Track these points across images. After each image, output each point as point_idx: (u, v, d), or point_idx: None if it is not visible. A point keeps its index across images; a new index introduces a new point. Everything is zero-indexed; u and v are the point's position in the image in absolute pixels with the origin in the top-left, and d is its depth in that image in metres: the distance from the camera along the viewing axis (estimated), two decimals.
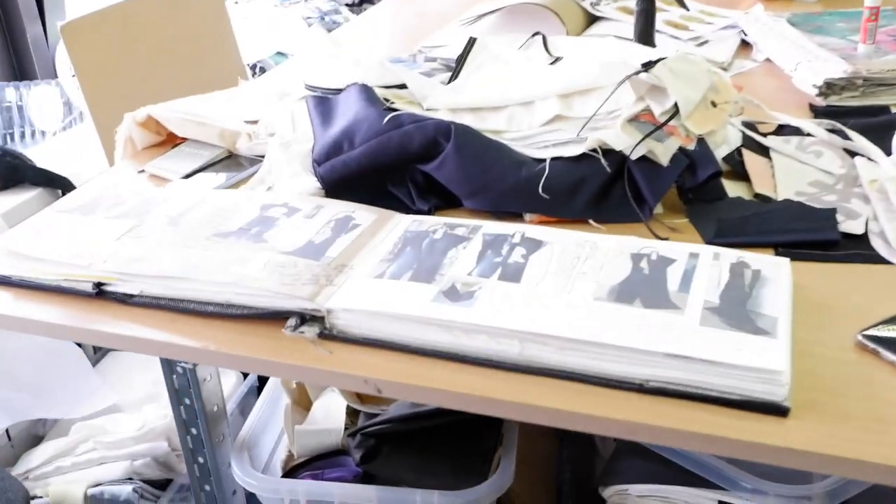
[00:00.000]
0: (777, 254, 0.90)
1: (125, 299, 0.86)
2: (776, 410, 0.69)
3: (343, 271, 0.85)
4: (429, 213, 1.01)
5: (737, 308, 0.77)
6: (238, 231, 0.92)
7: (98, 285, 0.87)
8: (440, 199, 1.03)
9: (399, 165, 1.03)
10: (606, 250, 0.86)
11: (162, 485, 1.47)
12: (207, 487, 1.12)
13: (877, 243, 0.91)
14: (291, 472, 1.14)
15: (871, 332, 0.76)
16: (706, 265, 0.83)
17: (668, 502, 1.13)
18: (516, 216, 1.00)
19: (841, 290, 0.85)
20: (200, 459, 1.10)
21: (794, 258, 0.86)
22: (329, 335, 0.80)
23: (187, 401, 1.04)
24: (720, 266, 0.83)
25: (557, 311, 0.77)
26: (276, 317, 0.82)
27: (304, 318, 0.81)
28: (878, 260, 0.89)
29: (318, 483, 1.05)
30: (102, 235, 0.93)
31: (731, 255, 0.85)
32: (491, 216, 1.00)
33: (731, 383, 0.70)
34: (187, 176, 1.14)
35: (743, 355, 0.70)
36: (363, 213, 0.96)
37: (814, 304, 0.82)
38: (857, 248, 0.91)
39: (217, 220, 0.94)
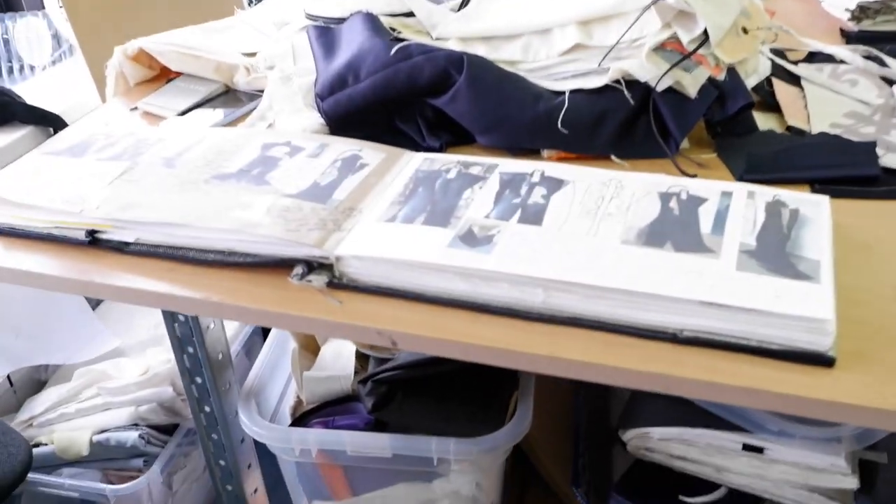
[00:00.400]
0: (813, 191, 0.85)
1: (121, 248, 0.81)
2: (821, 361, 0.64)
3: (352, 215, 0.80)
4: (440, 150, 0.95)
5: (775, 251, 0.71)
6: (238, 173, 0.86)
7: (91, 233, 0.82)
8: (452, 136, 0.97)
9: (408, 100, 0.97)
10: (633, 189, 0.81)
11: (168, 430, 1.44)
12: (215, 436, 1.09)
13: None
14: (301, 419, 1.11)
15: None
16: (740, 205, 0.78)
17: (691, 445, 1.09)
18: (533, 153, 0.94)
19: (883, 230, 0.79)
20: (207, 408, 1.06)
21: (831, 196, 0.81)
22: (338, 284, 0.75)
23: (190, 349, 1.00)
24: (755, 205, 0.77)
25: (583, 257, 0.72)
26: (281, 265, 0.77)
27: (312, 266, 0.76)
28: None
29: (328, 432, 1.02)
30: (94, 179, 0.87)
31: (767, 193, 0.79)
32: (506, 153, 0.94)
33: (771, 332, 0.65)
34: (182, 113, 1.08)
35: (785, 302, 0.65)
36: (371, 152, 0.90)
37: (855, 244, 0.77)
38: None
39: (216, 161, 0.89)
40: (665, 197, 0.79)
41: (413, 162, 0.88)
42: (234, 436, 1.09)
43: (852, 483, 0.96)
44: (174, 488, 1.47)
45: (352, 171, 0.86)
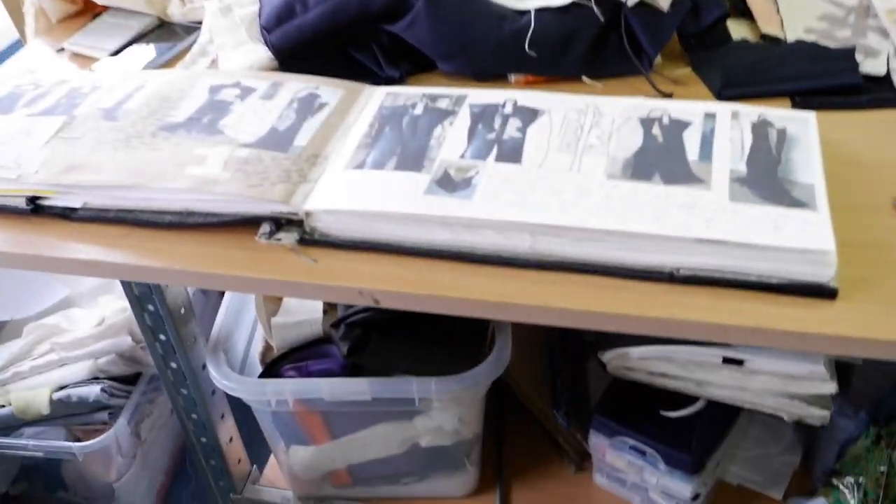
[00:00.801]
0: (794, 104, 0.81)
1: (67, 214, 0.75)
2: (824, 293, 0.62)
3: (316, 163, 0.74)
4: (400, 80, 0.89)
5: (767, 177, 0.68)
6: (187, 122, 0.80)
7: (32, 200, 0.75)
8: (412, 64, 0.91)
9: (362, 27, 0.90)
10: (612, 116, 0.76)
11: (130, 380, 1.39)
12: (185, 391, 1.05)
13: None
14: (272, 366, 1.07)
15: None
16: (725, 127, 0.74)
17: (671, 361, 1.09)
18: (500, 78, 0.89)
19: (870, 143, 0.77)
20: (173, 364, 1.02)
21: (814, 108, 0.78)
22: (310, 240, 0.70)
23: (151, 307, 0.95)
24: (741, 127, 0.74)
25: (570, 196, 0.68)
26: (246, 223, 0.71)
27: (280, 223, 0.71)
28: None
29: (305, 381, 0.98)
30: (28, 138, 0.79)
31: (751, 112, 0.75)
32: (472, 80, 0.88)
33: (771, 266, 0.63)
34: (115, 53, 0.99)
35: (784, 235, 0.63)
36: (328, 89, 0.84)
37: (843, 161, 0.74)
38: (881, 92, 0.82)
39: (161, 109, 0.81)
40: (646, 123, 0.75)
41: (375, 98, 0.82)
42: (204, 389, 1.05)
43: (831, 388, 0.96)
44: (143, 436, 1.43)
45: (310, 113, 0.80)
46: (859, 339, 0.59)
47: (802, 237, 0.62)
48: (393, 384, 0.97)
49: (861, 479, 1.00)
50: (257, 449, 1.24)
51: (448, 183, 0.70)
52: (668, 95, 0.84)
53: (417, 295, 0.66)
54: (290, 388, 0.98)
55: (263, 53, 0.91)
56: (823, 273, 0.62)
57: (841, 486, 1.02)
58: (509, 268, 0.67)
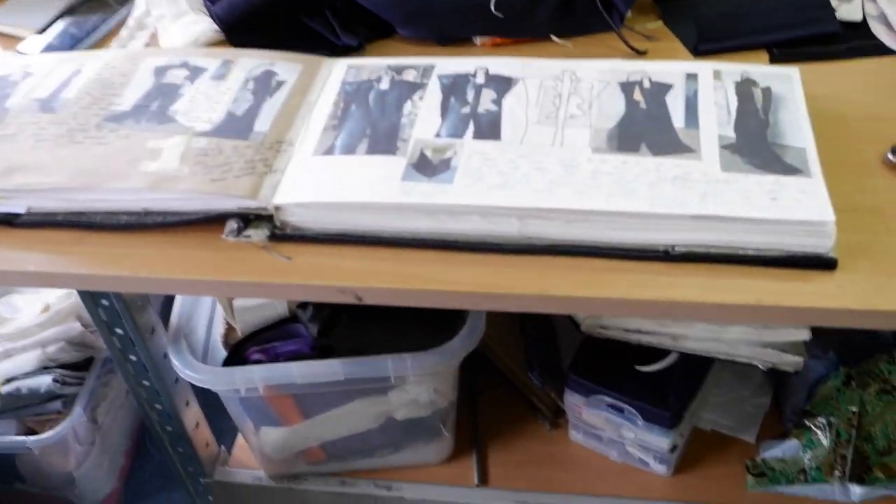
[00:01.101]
0: (772, 57, 0.79)
1: (10, 221, 0.69)
2: (824, 264, 0.60)
3: (281, 150, 0.69)
4: (359, 49, 0.84)
5: (757, 142, 0.66)
6: (135, 110, 0.73)
7: None
8: (370, 29, 0.85)
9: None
10: (590, 82, 0.73)
11: (82, 365, 1.33)
12: (146, 382, 1.00)
13: (878, 29, 0.81)
14: (237, 349, 1.02)
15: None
16: (708, 88, 0.71)
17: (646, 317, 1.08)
18: (465, 41, 0.84)
19: (852, 96, 0.75)
20: (133, 357, 0.97)
21: (792, 60, 0.75)
22: (282, 235, 0.66)
23: (105, 302, 0.89)
24: (724, 87, 0.71)
25: (556, 175, 0.64)
26: (211, 221, 0.66)
27: (248, 219, 0.66)
28: (884, 51, 0.79)
29: (275, 367, 0.94)
30: None
31: (734, 71, 0.72)
32: (435, 44, 0.84)
33: (769, 239, 0.61)
34: (42, 30, 0.91)
35: (782, 206, 0.60)
36: (285, 65, 0.78)
37: (827, 117, 0.72)
38: (859, 39, 0.80)
39: (104, 97, 0.75)
40: (627, 88, 0.72)
41: (336, 72, 0.77)
42: (167, 379, 1.00)
43: (804, 335, 0.96)
44: (100, 421, 1.38)
45: (268, 93, 0.75)
46: (863, 310, 0.58)
47: (800, 208, 0.60)
48: (367, 364, 0.94)
49: (832, 420, 1.00)
50: (225, 429, 1.20)
51: (426, 166, 0.66)
52: (643, 53, 0.80)
53: (403, 290, 0.62)
54: (259, 374, 0.94)
55: (207, 26, 0.85)
56: (822, 244, 0.60)
57: (813, 427, 1.02)
58: (497, 254, 0.63)
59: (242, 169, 0.67)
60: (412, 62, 0.77)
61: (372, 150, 0.68)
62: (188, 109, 0.73)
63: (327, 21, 0.85)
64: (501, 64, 0.75)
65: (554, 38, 0.83)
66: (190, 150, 0.68)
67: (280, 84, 0.76)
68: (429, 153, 0.67)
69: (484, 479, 1.06)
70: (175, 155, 0.68)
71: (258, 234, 0.66)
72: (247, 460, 1.17)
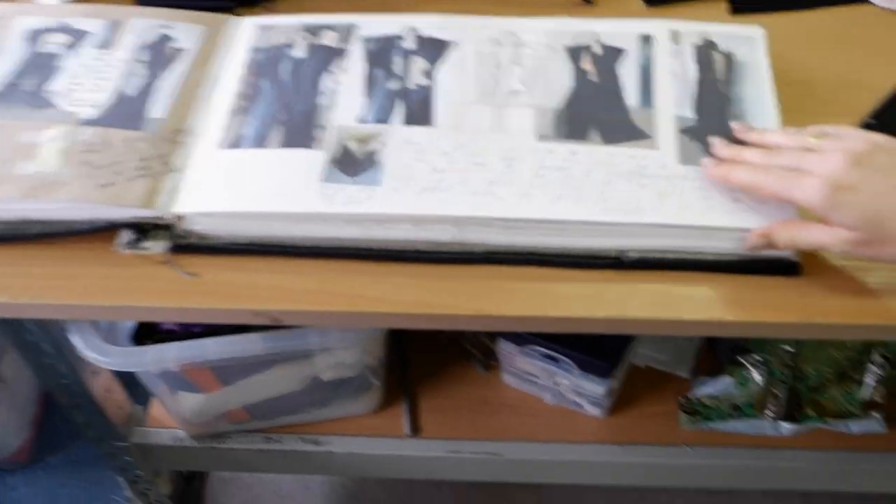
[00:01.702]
0: (733, 7, 0.71)
1: None
2: (787, 269, 0.55)
3: (180, 142, 0.60)
4: None
5: (718, 124, 0.59)
6: (6, 91, 0.63)
7: None
8: None
9: None
10: (533, 46, 0.64)
11: None
12: (49, 362, 0.91)
13: None
14: (146, 325, 0.94)
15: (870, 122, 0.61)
16: (665, 54, 0.63)
17: None
18: None
19: (821, 55, 0.67)
20: (32, 339, 0.88)
21: (754, 9, 0.67)
22: (186, 246, 0.58)
23: None
24: (682, 53, 0.63)
25: (496, 171, 0.57)
26: (100, 230, 0.58)
27: (145, 228, 0.58)
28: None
29: (189, 345, 0.86)
30: None
31: (693, 32, 0.65)
32: None
33: (728, 245, 0.55)
34: None
35: (744, 213, 0.54)
36: (183, 27, 0.67)
37: (794, 82, 0.65)
38: None
39: None
40: (575, 54, 0.63)
41: (242, 35, 0.67)
42: (71, 357, 0.91)
43: None
44: (4, 375, 1.29)
45: (164, 65, 0.65)
46: (830, 324, 0.53)
47: (764, 212, 0.54)
48: (289, 337, 0.87)
49: (768, 358, 0.98)
50: (141, 389, 1.13)
51: (349, 162, 0.58)
52: (589, 1, 0.71)
53: (326, 312, 0.55)
54: (173, 354, 0.86)
55: None
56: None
57: (747, 365, 1.00)
58: (431, 264, 0.56)
59: (136, 169, 0.58)
60: (331, 21, 0.67)
61: (287, 141, 0.59)
62: (69, 89, 0.63)
63: None
64: (433, 24, 0.66)
65: None
66: (73, 146, 0.59)
67: (177, 52, 0.65)
68: (352, 145, 0.59)
69: (416, 429, 1.02)
70: (55, 152, 0.58)
71: (157, 246, 0.58)
72: (165, 420, 1.10)
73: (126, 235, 0.58)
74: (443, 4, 0.70)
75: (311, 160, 0.58)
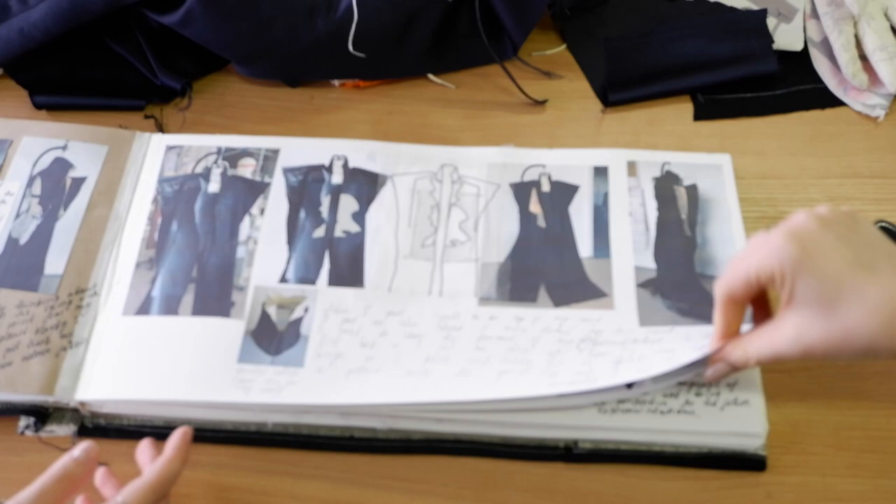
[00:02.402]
0: (696, 105, 0.65)
1: None
2: (750, 465, 0.51)
3: (83, 305, 0.53)
4: (183, 93, 0.66)
5: (683, 275, 0.54)
6: None
7: None
8: (196, 64, 0.66)
9: (114, 20, 0.64)
10: (476, 184, 0.58)
11: None
12: None
13: (820, 64, 0.67)
14: None
15: None
16: (622, 190, 0.58)
17: None
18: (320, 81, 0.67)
19: (790, 170, 0.62)
20: None
21: (720, 115, 0.62)
22: (94, 427, 0.52)
23: None
24: (641, 188, 0.58)
25: (432, 346, 0.51)
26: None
27: (47, 412, 0.52)
28: (827, 100, 0.65)
29: None
30: None
31: (652, 161, 0.59)
32: (279, 84, 0.66)
33: (690, 441, 0.50)
34: None
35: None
36: (83, 149, 0.59)
37: (761, 205, 0.59)
38: (798, 77, 0.66)
39: None
40: (522, 193, 0.57)
41: (151, 160, 0.59)
42: None
43: None
44: None
45: (61, 202, 0.57)
46: None
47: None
48: None
49: None
50: None
51: (269, 335, 0.52)
52: (541, 103, 0.65)
53: None
54: None
55: None
56: (750, 444, 0.50)
57: None
58: (362, 454, 0.51)
59: (32, 343, 0.52)
60: (250, 144, 0.60)
61: (200, 307, 0.53)
62: None
63: (141, 52, 0.65)
64: (363, 152, 0.59)
65: (432, 77, 0.66)
66: None
67: (78, 183, 0.58)
68: (272, 312, 0.53)
69: None
70: None
71: (63, 430, 0.52)
72: None
73: (26, 421, 0.52)
74: (375, 93, 0.62)
75: (227, 333, 0.52)
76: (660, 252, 0.55)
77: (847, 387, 0.53)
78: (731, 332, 0.47)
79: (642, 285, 0.54)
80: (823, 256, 0.43)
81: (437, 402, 0.50)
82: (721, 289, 0.46)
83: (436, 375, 0.50)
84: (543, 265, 0.55)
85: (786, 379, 0.53)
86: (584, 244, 0.55)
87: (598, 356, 0.51)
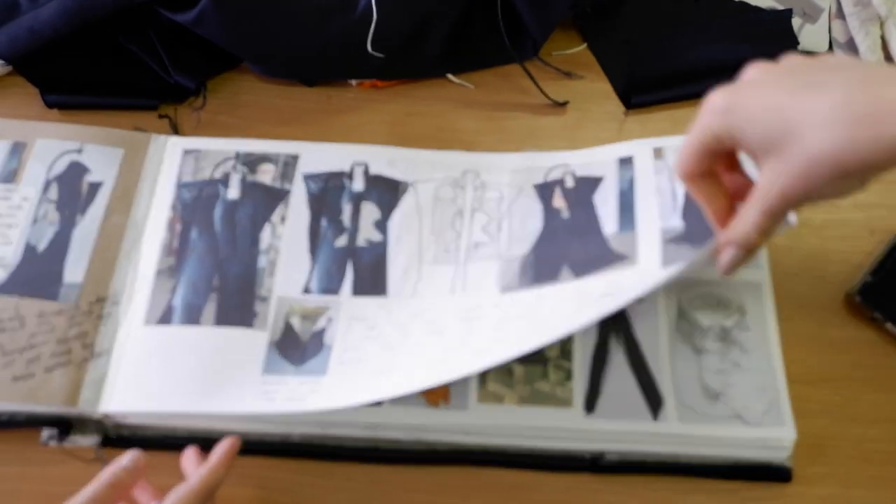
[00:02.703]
0: None
1: None
2: (776, 476, 0.51)
3: (103, 315, 0.53)
4: (197, 92, 0.64)
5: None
6: None
7: None
8: (211, 61, 0.65)
9: (127, 18, 0.63)
10: (499, 188, 0.57)
11: None
12: None
13: None
14: None
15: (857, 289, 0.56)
16: (647, 173, 0.56)
17: None
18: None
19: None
20: None
21: None
22: (118, 438, 0.52)
23: None
24: (668, 167, 0.56)
25: (453, 336, 0.51)
26: (20, 426, 0.52)
27: (69, 423, 0.52)
28: None
29: None
30: None
31: (677, 145, 0.57)
32: (297, 83, 0.65)
33: (715, 452, 0.51)
34: None
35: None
36: (98, 152, 0.58)
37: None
38: None
39: None
40: (545, 192, 0.57)
41: (168, 165, 0.58)
42: None
43: None
44: None
45: (80, 207, 0.56)
46: None
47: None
48: None
49: None
50: None
51: (293, 345, 0.52)
52: (563, 104, 0.64)
53: None
54: None
55: None
56: (776, 455, 0.50)
57: None
58: (388, 464, 0.51)
59: (54, 355, 0.51)
60: (269, 149, 0.59)
61: (222, 316, 0.53)
62: None
63: (154, 50, 0.64)
64: (384, 158, 0.58)
65: (451, 77, 0.65)
66: None
67: (94, 188, 0.57)
68: (296, 323, 0.52)
69: None
70: None
71: (86, 440, 0.51)
72: None
73: (48, 432, 0.51)
74: (393, 93, 0.61)
75: (252, 344, 0.52)
76: (688, 211, 0.54)
77: (870, 399, 0.53)
78: (722, 211, 0.45)
79: (668, 241, 0.52)
80: (761, 95, 0.39)
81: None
82: (677, 169, 0.44)
83: (453, 361, 0.49)
84: (566, 249, 0.54)
85: (809, 390, 0.53)
86: (609, 224, 0.55)
87: (616, 297, 0.50)
